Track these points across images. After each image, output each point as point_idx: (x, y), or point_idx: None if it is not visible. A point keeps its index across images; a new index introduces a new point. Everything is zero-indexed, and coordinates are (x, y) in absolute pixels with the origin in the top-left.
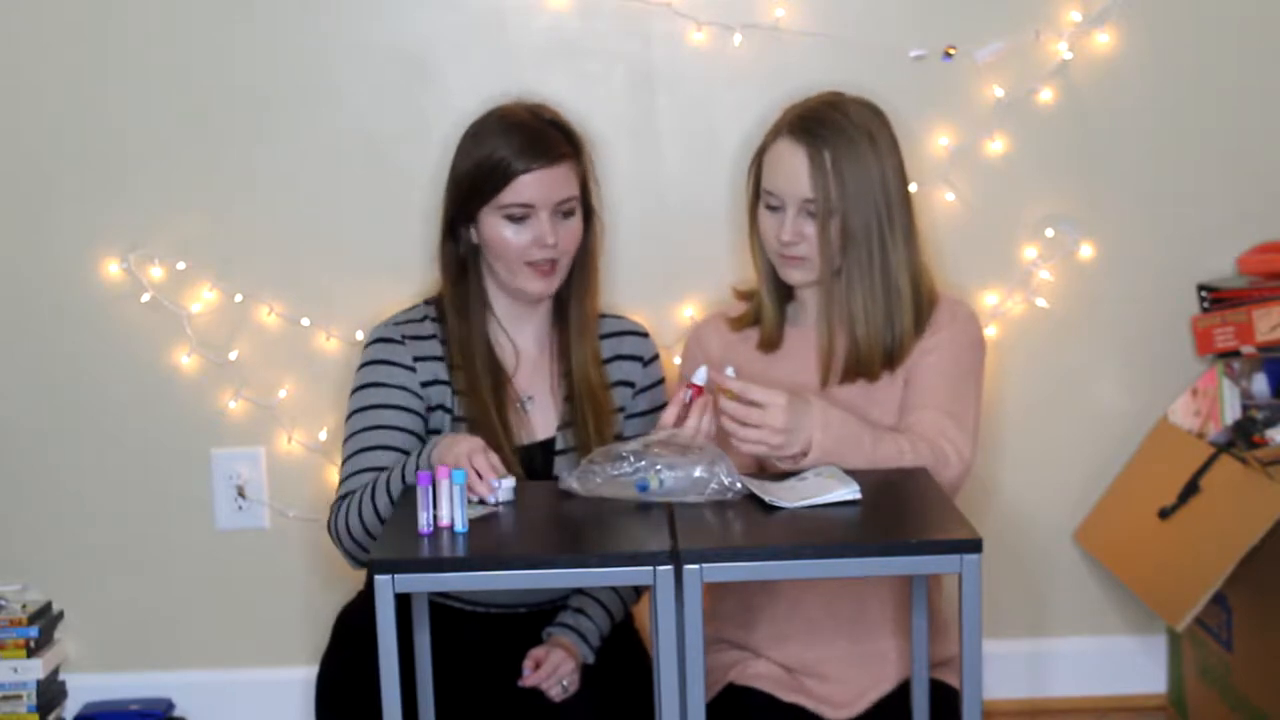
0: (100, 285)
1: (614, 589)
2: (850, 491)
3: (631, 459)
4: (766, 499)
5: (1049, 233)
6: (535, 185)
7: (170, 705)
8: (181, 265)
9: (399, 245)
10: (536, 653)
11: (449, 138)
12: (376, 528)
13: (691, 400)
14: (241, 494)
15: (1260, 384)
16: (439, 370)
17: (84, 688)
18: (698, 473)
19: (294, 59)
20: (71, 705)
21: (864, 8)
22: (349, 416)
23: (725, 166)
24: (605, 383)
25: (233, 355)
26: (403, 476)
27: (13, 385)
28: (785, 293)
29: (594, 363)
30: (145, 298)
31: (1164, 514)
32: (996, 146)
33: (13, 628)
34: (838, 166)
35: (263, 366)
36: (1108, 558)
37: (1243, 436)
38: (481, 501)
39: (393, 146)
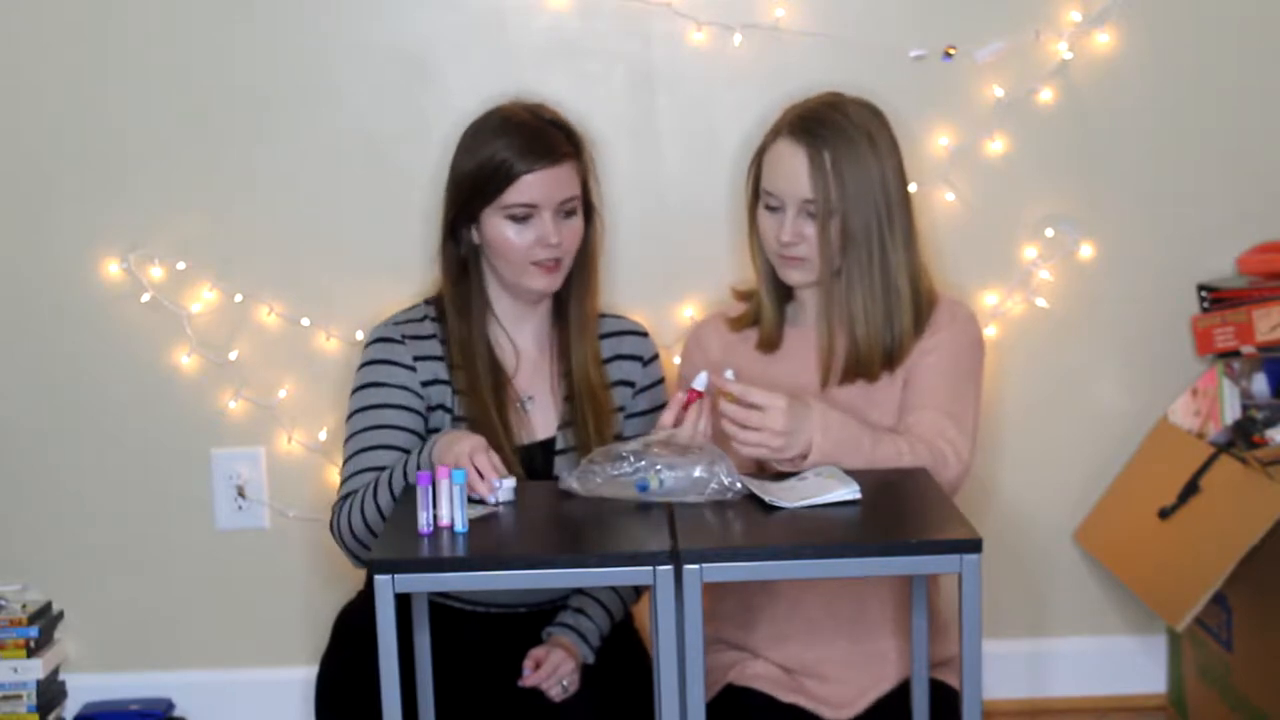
0: (100, 285)
1: (614, 589)
2: (850, 491)
3: (631, 459)
4: (766, 499)
5: (1049, 233)
6: (538, 185)
7: (170, 705)
8: (181, 265)
9: (399, 245)
10: (536, 653)
11: (449, 138)
12: (379, 525)
13: (687, 404)
14: (241, 494)
15: (1260, 384)
16: (439, 370)
17: (84, 688)
18: (698, 473)
19: (294, 59)
20: (71, 705)
21: (864, 8)
22: (350, 416)
23: (725, 166)
24: (605, 382)
25: (233, 355)
26: (404, 474)
27: (13, 385)
28: (785, 293)
29: (594, 362)
30: (145, 298)
31: (1164, 514)
32: (996, 146)
33: (13, 628)
34: (837, 167)
35: (263, 366)
36: (1108, 558)
37: (1243, 436)
38: (481, 501)
39: (393, 146)
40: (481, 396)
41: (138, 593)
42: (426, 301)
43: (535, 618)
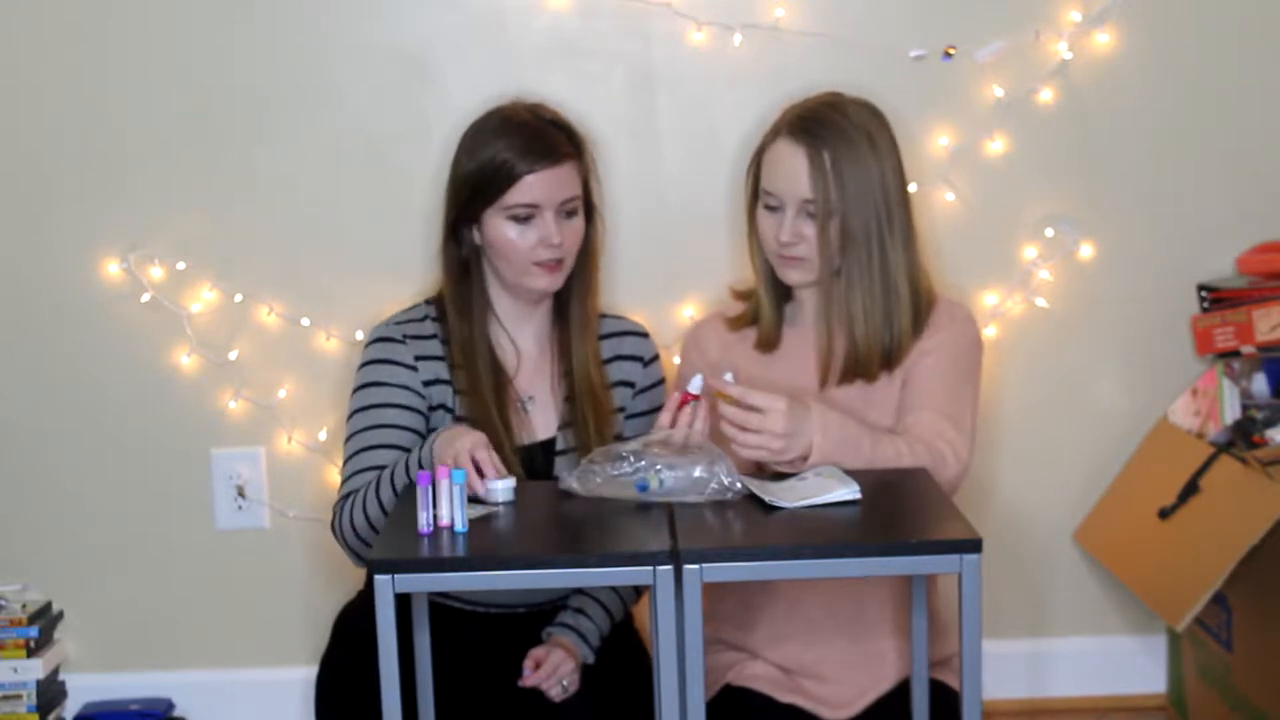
0: (100, 285)
1: (614, 589)
2: (850, 491)
3: (631, 459)
4: (766, 499)
5: (1049, 233)
6: (540, 185)
7: (170, 705)
8: (181, 265)
9: (399, 245)
10: (536, 653)
11: (449, 138)
12: (381, 522)
13: (680, 406)
14: (241, 494)
15: (1260, 384)
16: (440, 370)
17: (84, 688)
18: (698, 473)
19: (294, 59)
20: (71, 705)
21: (864, 8)
22: (350, 416)
23: (725, 166)
24: (606, 383)
25: (233, 355)
26: (406, 470)
27: (13, 385)
28: (783, 293)
29: (594, 363)
30: (145, 298)
31: (1164, 514)
32: (996, 146)
33: (13, 628)
34: (837, 167)
35: (263, 366)
36: (1108, 558)
37: (1243, 436)
38: (482, 501)
39: (393, 146)
40: (482, 397)
41: (138, 593)
42: (427, 301)
43: (535, 618)
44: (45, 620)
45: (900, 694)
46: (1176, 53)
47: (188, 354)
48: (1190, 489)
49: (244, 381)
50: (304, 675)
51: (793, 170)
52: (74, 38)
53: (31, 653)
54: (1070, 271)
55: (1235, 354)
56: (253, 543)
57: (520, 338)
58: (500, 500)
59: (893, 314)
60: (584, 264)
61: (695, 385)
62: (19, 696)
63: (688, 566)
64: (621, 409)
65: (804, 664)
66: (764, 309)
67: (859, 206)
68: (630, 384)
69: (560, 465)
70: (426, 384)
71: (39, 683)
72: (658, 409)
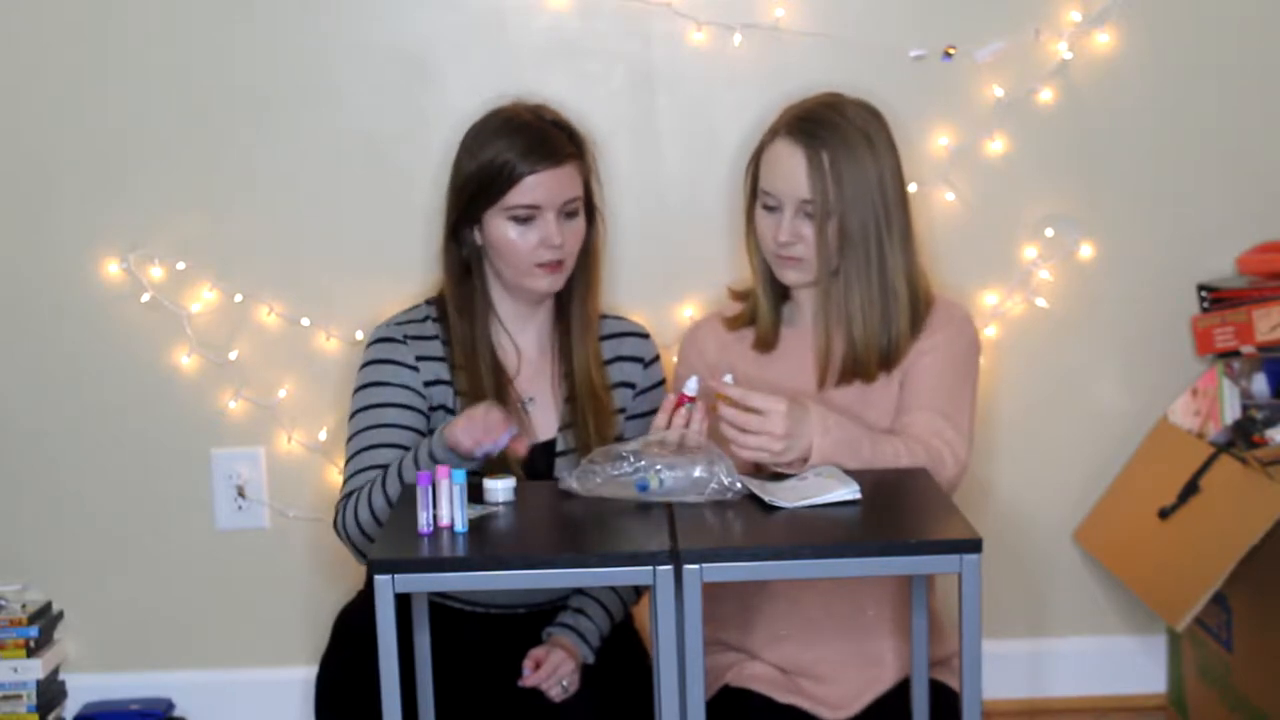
0: (100, 285)
1: (614, 589)
2: (850, 491)
3: (631, 459)
4: (766, 499)
5: (1049, 233)
6: (541, 186)
7: (170, 705)
8: (181, 265)
9: (399, 245)
10: (536, 653)
11: (449, 138)
12: (387, 516)
13: (676, 407)
14: (241, 494)
15: (1260, 384)
16: (441, 371)
17: (84, 688)
18: (698, 473)
19: (294, 59)
20: (71, 705)
21: (864, 8)
22: (352, 415)
23: (725, 166)
24: (606, 384)
25: (233, 355)
26: (415, 461)
27: (13, 385)
28: (781, 293)
29: (595, 364)
30: (145, 298)
31: (1164, 514)
32: (996, 146)
33: (13, 628)
34: (835, 168)
35: (263, 366)
36: (1108, 558)
37: (1243, 436)
38: (482, 501)
39: (393, 146)
40: (483, 397)
41: (138, 593)
42: (428, 302)
43: (535, 618)
44: (45, 620)
45: (899, 694)
46: (1176, 53)
47: (188, 354)
48: (1190, 489)
49: (244, 381)
50: (304, 675)
51: (791, 170)
52: (74, 38)
53: (31, 653)
54: (1070, 271)
55: (1235, 354)
56: (253, 543)
57: (521, 339)
58: (500, 500)
59: (891, 315)
60: (585, 265)
61: (691, 386)
62: (19, 696)
63: (688, 566)
64: (622, 410)
65: (803, 664)
66: (762, 309)
67: (857, 207)
68: (631, 385)
69: (560, 466)
70: (427, 384)
71: (39, 683)
72: (659, 409)
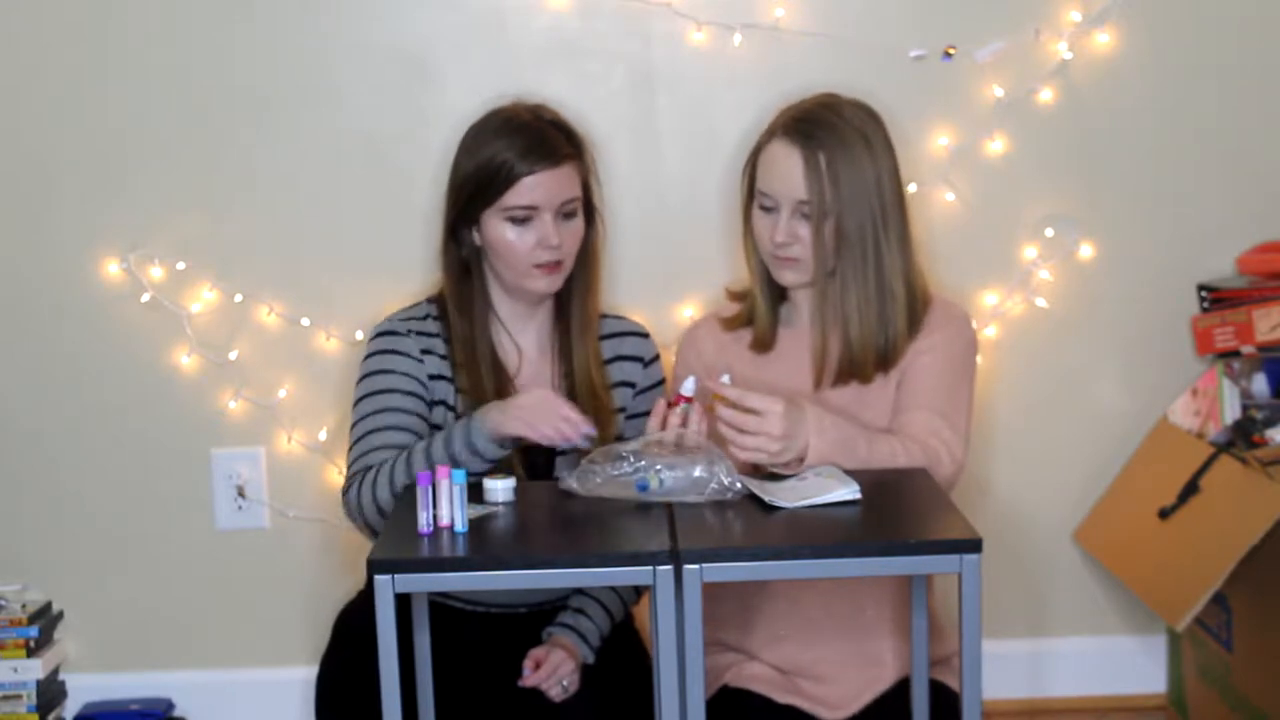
0: (100, 285)
1: (614, 589)
2: (850, 491)
3: (631, 459)
4: (766, 499)
5: (1049, 233)
6: (539, 187)
7: (170, 705)
8: (181, 265)
9: (399, 245)
10: (536, 653)
11: (449, 138)
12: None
13: (671, 406)
14: (241, 494)
15: (1260, 384)
16: (443, 367)
17: (84, 688)
18: (698, 473)
19: (294, 59)
20: (71, 705)
21: (864, 8)
22: (356, 402)
23: (725, 167)
24: (606, 383)
25: (233, 355)
26: (448, 443)
27: (13, 385)
28: (778, 294)
29: (595, 363)
30: (145, 298)
31: (1164, 514)
32: (996, 146)
33: (13, 628)
34: (832, 168)
35: (263, 366)
36: (1107, 558)
37: (1243, 436)
38: (482, 501)
39: (393, 146)
40: (484, 397)
41: (138, 593)
42: (429, 300)
43: (535, 618)
44: (45, 620)
45: (898, 694)
46: (1176, 53)
47: (188, 354)
48: (1190, 489)
49: (244, 381)
50: (304, 675)
51: (788, 171)
52: (74, 38)
53: (31, 653)
54: (1070, 271)
55: (1235, 354)
56: (253, 543)
57: (521, 338)
58: (500, 500)
59: (888, 315)
60: (584, 265)
61: (688, 387)
62: (19, 696)
63: (688, 566)
64: (622, 409)
65: (802, 664)
66: (759, 310)
67: (854, 207)
68: (631, 384)
69: (560, 465)
70: (431, 378)
71: (39, 683)
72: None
